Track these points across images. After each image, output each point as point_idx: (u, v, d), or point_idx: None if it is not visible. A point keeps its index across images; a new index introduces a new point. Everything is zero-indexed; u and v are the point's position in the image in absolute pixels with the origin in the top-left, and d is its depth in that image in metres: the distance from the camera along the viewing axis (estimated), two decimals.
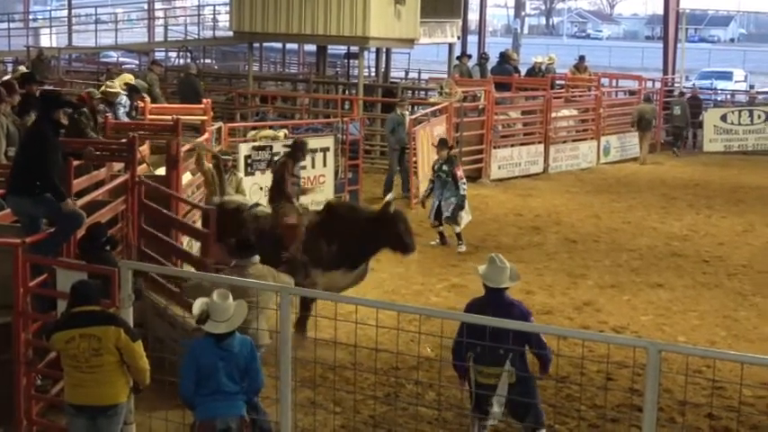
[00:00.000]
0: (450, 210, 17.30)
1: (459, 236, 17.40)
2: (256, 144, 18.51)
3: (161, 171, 14.66)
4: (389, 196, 13.51)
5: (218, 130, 17.95)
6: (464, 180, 17.61)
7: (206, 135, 16.75)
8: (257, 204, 13.74)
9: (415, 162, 20.73)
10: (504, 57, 30.84)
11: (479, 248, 17.39)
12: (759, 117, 30.77)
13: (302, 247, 12.61)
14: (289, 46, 37.78)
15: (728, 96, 37.43)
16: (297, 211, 13.08)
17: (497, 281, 8.65)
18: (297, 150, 14.24)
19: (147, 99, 19.07)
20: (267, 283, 9.49)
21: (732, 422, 10.26)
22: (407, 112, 21.91)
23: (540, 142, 25.77)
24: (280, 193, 13.36)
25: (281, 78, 33.59)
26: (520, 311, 8.60)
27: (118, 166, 13.29)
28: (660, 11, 39.72)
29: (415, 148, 20.68)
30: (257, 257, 9.96)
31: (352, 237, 12.51)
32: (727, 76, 46.79)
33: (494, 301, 8.60)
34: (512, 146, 25.24)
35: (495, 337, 8.11)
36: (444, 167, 17.48)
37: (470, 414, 8.85)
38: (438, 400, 10.43)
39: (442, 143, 18.12)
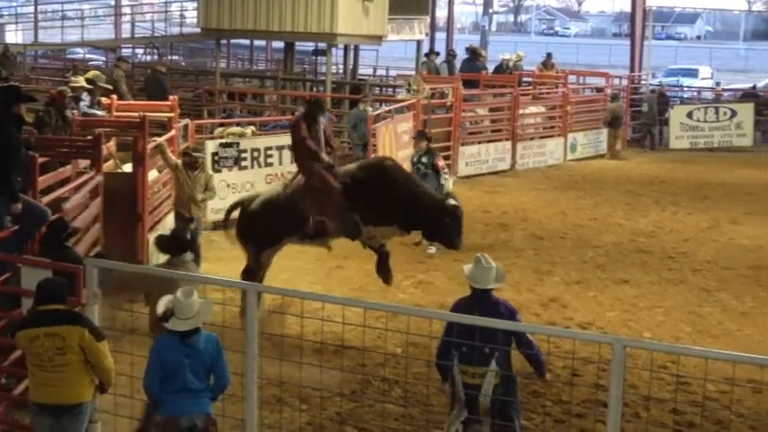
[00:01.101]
0: None
1: None
2: (223, 141, 18.46)
3: (128, 168, 14.66)
4: (449, 183, 13.46)
5: (185, 127, 17.89)
6: (446, 170, 17.38)
7: (172, 132, 16.72)
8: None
9: None
10: (473, 53, 30.87)
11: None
12: (725, 114, 31.00)
13: (350, 204, 12.73)
14: (256, 43, 37.70)
15: (695, 93, 37.66)
16: (328, 166, 12.95)
17: (483, 281, 8.53)
18: (312, 110, 13.46)
19: (114, 96, 19.01)
20: (236, 280, 9.48)
21: (696, 417, 10.33)
22: (370, 109, 21.93)
23: (507, 139, 25.84)
24: (304, 155, 13.08)
25: (249, 75, 33.50)
26: (507, 310, 8.52)
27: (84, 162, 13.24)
28: (627, 8, 39.95)
29: (375, 145, 20.67)
30: (190, 255, 9.91)
31: (405, 208, 12.71)
32: (693, 73, 47.06)
33: (480, 301, 8.51)
34: (479, 143, 25.30)
35: (482, 336, 8.09)
36: (424, 159, 17.22)
37: (451, 414, 8.74)
38: (405, 396, 10.45)
39: (421, 135, 17.91)
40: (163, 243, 10.20)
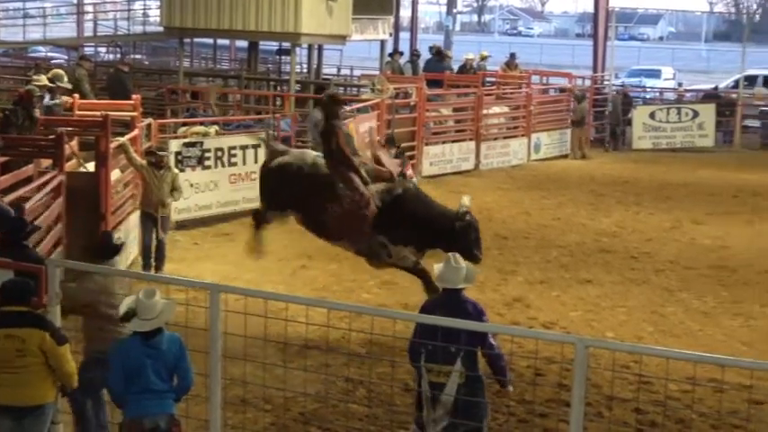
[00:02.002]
0: None
1: None
2: (187, 140, 18.39)
3: (91, 167, 14.58)
4: (466, 199, 13.09)
5: (148, 126, 17.82)
6: (414, 179, 17.03)
7: (135, 132, 16.64)
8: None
9: None
10: (437, 53, 30.96)
11: None
12: (687, 115, 31.21)
13: (377, 224, 12.67)
14: (220, 42, 37.58)
15: (657, 94, 37.90)
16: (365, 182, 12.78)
17: (453, 281, 8.52)
18: (333, 108, 13.12)
19: (76, 95, 18.90)
20: (198, 281, 9.44)
21: (658, 416, 10.39)
22: None
23: (471, 139, 25.90)
24: (343, 165, 12.68)
25: (213, 74, 33.39)
26: (475, 310, 8.51)
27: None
28: (590, 9, 40.19)
29: None
30: (117, 258, 9.62)
31: (422, 226, 12.72)
32: (655, 73, 47.36)
33: (448, 301, 8.51)
34: (443, 143, 25.33)
35: (447, 335, 8.09)
36: None
37: (416, 413, 8.72)
38: (369, 396, 10.45)
39: (390, 141, 17.61)
40: (92, 248, 9.71)
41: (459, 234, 12.51)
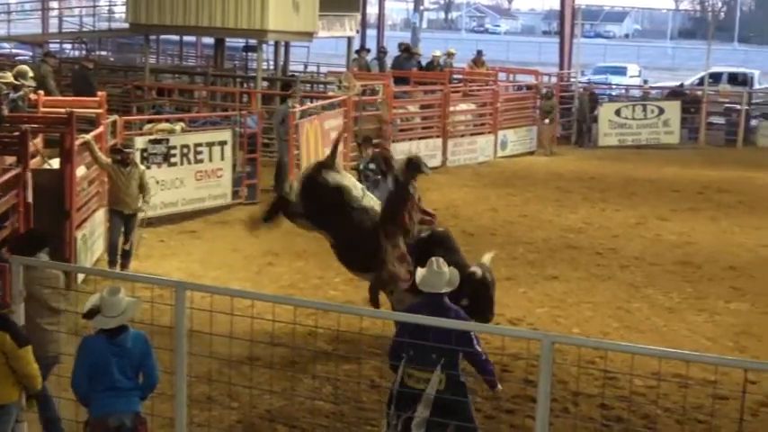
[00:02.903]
0: None
1: None
2: (153, 137, 18.31)
3: (56, 164, 14.48)
4: (487, 258, 12.24)
5: (114, 123, 17.72)
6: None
7: (100, 129, 16.55)
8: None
9: (298, 155, 20.72)
10: (406, 50, 30.99)
11: None
12: (652, 112, 31.36)
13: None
14: (186, 38, 37.42)
15: (623, 91, 38.06)
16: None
17: (436, 285, 8.47)
18: (413, 171, 12.47)
19: (41, 92, 18.77)
20: (164, 278, 9.40)
21: (624, 411, 10.44)
22: (298, 105, 21.91)
23: (438, 136, 25.94)
24: (395, 223, 11.95)
25: (179, 71, 33.24)
26: (457, 316, 8.44)
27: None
28: (557, 6, 40.23)
29: (297, 141, 20.66)
30: (46, 250, 9.44)
31: None
32: (621, 71, 47.53)
33: (431, 305, 8.39)
34: (410, 140, 25.34)
35: (427, 340, 8.01)
36: (372, 166, 16.47)
37: (387, 415, 8.63)
38: (335, 393, 10.45)
39: (367, 140, 17.31)
40: (17, 242, 9.50)
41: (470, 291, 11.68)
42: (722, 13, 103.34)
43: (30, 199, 12.18)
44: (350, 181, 12.77)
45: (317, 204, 12.30)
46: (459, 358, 8.41)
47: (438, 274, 8.51)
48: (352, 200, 12.29)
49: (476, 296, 11.31)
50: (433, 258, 8.68)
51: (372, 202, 12.47)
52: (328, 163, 12.69)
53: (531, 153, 28.88)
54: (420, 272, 8.65)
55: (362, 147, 17.15)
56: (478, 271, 11.53)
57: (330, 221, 12.31)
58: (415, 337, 8.07)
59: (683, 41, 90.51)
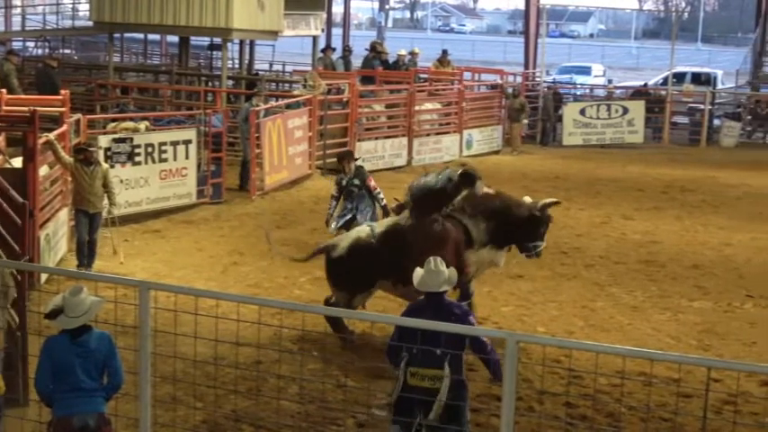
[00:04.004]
0: (369, 219, 16.00)
1: None
2: (116, 136, 18.22)
3: (18, 163, 14.37)
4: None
5: (77, 122, 17.61)
6: (379, 190, 16.28)
7: (64, 127, 16.45)
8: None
9: (260, 154, 20.71)
10: (373, 49, 31.02)
11: None
12: (616, 111, 31.51)
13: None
14: (151, 36, 37.26)
15: (587, 91, 38.22)
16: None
17: (435, 285, 8.46)
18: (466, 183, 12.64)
19: (3, 90, 18.63)
20: (127, 278, 9.35)
21: (588, 410, 10.49)
22: (262, 103, 21.90)
23: (403, 135, 25.96)
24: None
25: (143, 69, 33.10)
26: (460, 310, 8.50)
27: None
28: (522, 6, 40.39)
29: (258, 140, 20.66)
30: None
31: (505, 220, 12.63)
32: (586, 70, 47.78)
33: (432, 304, 8.41)
34: (376, 139, 25.36)
35: (432, 338, 7.96)
36: (355, 181, 16.14)
37: (393, 418, 8.50)
38: (301, 393, 10.43)
39: (348, 155, 16.74)
40: None
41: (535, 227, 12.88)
42: (686, 14, 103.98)
43: None
44: (351, 236, 12.89)
45: (353, 273, 12.44)
46: (464, 355, 8.37)
47: (436, 274, 8.50)
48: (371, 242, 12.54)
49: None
50: (431, 258, 8.65)
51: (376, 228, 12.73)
52: (327, 248, 12.93)
53: (497, 152, 28.96)
54: (418, 272, 8.62)
55: (344, 162, 16.42)
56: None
57: (376, 272, 12.47)
58: (415, 336, 8.00)
59: (647, 41, 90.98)
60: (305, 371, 10.29)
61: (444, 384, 8.20)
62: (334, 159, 23.48)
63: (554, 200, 13.58)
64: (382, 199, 16.06)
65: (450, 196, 12.38)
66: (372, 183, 16.26)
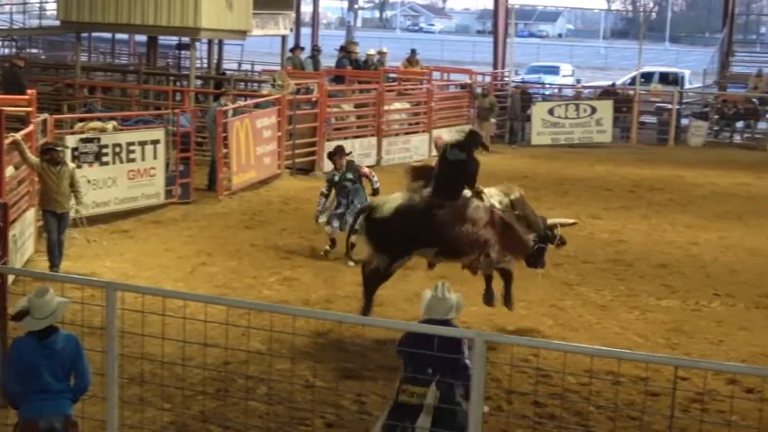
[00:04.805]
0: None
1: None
2: (84, 136, 18.12)
3: None
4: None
5: (44, 121, 17.50)
6: (374, 173, 16.66)
7: (30, 127, 16.34)
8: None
9: (227, 153, 20.67)
10: (343, 48, 31.01)
11: (312, 241, 17.43)
12: (585, 111, 31.61)
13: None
14: (118, 36, 37.08)
15: (556, 90, 38.33)
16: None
17: (441, 312, 8.44)
18: (474, 142, 12.85)
19: None
20: (94, 279, 9.30)
21: (557, 409, 10.51)
22: (230, 103, 21.87)
23: (372, 135, 25.96)
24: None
25: (111, 69, 32.94)
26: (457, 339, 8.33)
27: None
28: (491, 5, 40.46)
29: (226, 139, 20.61)
30: None
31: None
32: (554, 70, 47.90)
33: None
34: (345, 138, 25.32)
35: (424, 357, 7.97)
36: (349, 175, 16.41)
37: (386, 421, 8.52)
38: (269, 394, 10.41)
39: (340, 151, 16.82)
40: None
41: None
42: (654, 14, 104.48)
43: None
44: (399, 198, 12.89)
45: (394, 237, 12.64)
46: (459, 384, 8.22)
47: (443, 301, 8.50)
48: (415, 208, 12.60)
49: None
50: (439, 283, 8.67)
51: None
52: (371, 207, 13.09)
53: None
54: (425, 297, 8.59)
55: (336, 158, 16.62)
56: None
57: (416, 240, 12.64)
58: (413, 354, 8.04)
59: (615, 41, 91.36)
60: (273, 371, 10.24)
61: (430, 393, 8.16)
62: (304, 159, 23.75)
63: (571, 220, 13.88)
64: (377, 182, 16.18)
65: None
66: (366, 170, 16.44)
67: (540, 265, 13.65)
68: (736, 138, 33.83)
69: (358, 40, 38.48)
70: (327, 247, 16.51)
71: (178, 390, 9.69)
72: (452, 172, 12.46)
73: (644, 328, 13.72)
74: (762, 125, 33.37)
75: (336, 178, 16.48)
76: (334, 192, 16.71)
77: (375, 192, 16.35)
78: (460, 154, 12.41)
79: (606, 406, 10.58)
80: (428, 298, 8.55)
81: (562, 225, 13.55)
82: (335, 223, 16.47)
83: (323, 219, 16.69)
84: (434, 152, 27.54)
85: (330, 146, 24.13)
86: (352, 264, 15.46)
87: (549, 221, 13.55)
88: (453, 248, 12.57)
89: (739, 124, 34.08)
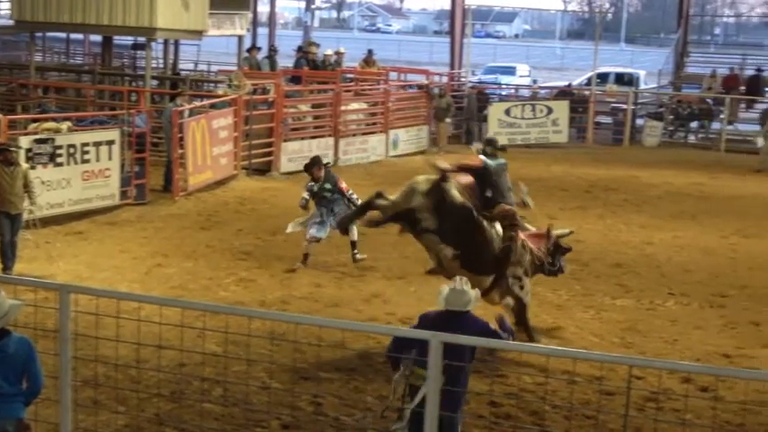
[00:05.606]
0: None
1: (353, 244, 16.37)
2: (38, 137, 17.97)
3: None
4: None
5: None
6: (351, 191, 16.37)
7: None
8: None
9: (183, 154, 20.59)
10: (300, 49, 31.00)
11: (269, 242, 17.39)
12: (541, 111, 31.72)
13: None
14: (73, 36, 36.80)
15: (513, 91, 38.45)
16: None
17: (460, 304, 8.71)
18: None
19: None
20: (47, 281, 9.22)
21: (513, 408, 10.54)
22: (186, 104, 21.77)
23: (329, 135, 25.93)
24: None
25: (65, 69, 32.70)
26: (479, 327, 8.72)
27: None
28: (448, 6, 40.49)
29: (182, 140, 20.53)
30: None
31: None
32: (511, 71, 48.01)
33: (454, 321, 8.62)
34: (302, 139, 25.29)
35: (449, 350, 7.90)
36: (327, 185, 16.20)
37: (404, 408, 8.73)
38: (225, 395, 10.37)
39: (317, 162, 16.49)
40: None
41: None
42: (609, 14, 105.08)
43: None
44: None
45: (452, 221, 12.53)
46: (467, 371, 8.56)
47: (461, 294, 8.76)
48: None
49: None
50: (458, 277, 8.95)
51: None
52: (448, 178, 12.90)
53: (423, 152, 29.01)
54: (443, 291, 8.84)
55: (313, 170, 16.30)
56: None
57: (463, 236, 12.54)
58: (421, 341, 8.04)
59: (571, 42, 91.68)
60: (229, 373, 10.21)
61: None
62: (261, 160, 23.68)
63: (567, 230, 14.07)
64: (357, 199, 16.05)
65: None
66: (344, 185, 16.28)
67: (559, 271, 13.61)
68: (691, 138, 34.09)
69: (315, 40, 38.43)
70: (300, 264, 16.05)
71: (133, 392, 9.64)
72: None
73: (599, 327, 13.79)
74: (716, 125, 33.61)
75: (316, 188, 16.28)
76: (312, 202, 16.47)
77: (348, 200, 16.25)
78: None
79: (562, 405, 10.63)
80: (446, 291, 8.81)
81: (563, 236, 13.67)
82: (312, 229, 16.22)
83: (290, 228, 16.46)
84: (392, 152, 27.71)
85: (287, 146, 24.25)
86: (361, 257, 16.18)
87: (554, 233, 13.57)
88: (477, 257, 12.58)
89: (694, 124, 34.33)
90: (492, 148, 13.50)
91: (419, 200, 12.60)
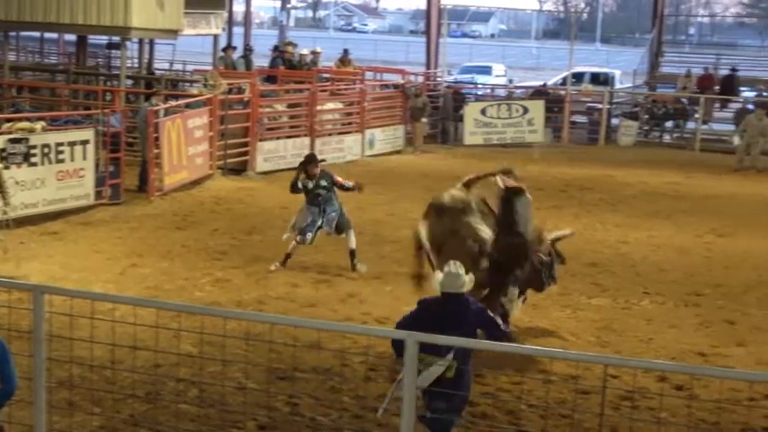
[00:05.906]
0: (333, 224, 16.11)
1: (353, 253, 16.25)
2: (12, 136, 17.87)
3: None
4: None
5: None
6: (344, 181, 16.43)
7: None
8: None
9: (159, 154, 20.53)
10: (276, 48, 30.99)
11: (245, 242, 17.35)
12: (517, 111, 31.77)
13: None
14: (47, 35, 36.63)
15: (488, 90, 38.51)
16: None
17: (455, 286, 8.88)
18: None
19: None
20: (20, 282, 9.17)
21: (489, 408, 10.56)
22: (162, 103, 21.71)
23: (305, 135, 25.89)
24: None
25: (39, 68, 32.54)
26: (478, 305, 9.18)
27: None
28: (424, 6, 40.58)
29: (157, 140, 20.46)
30: None
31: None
32: (487, 70, 48.09)
33: (450, 303, 8.87)
34: (278, 138, 25.26)
35: (442, 328, 8.20)
36: (323, 183, 16.06)
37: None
38: (200, 396, 10.33)
39: (312, 160, 16.39)
40: None
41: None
42: (585, 14, 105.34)
43: None
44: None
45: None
46: (471, 352, 8.79)
47: (456, 277, 8.91)
48: None
49: None
50: (451, 261, 9.08)
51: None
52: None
53: (399, 152, 29.02)
54: (438, 276, 9.05)
55: (308, 168, 16.17)
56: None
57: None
58: (434, 327, 8.23)
59: (547, 42, 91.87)
60: (204, 374, 10.17)
61: (441, 363, 8.60)
62: (236, 159, 23.64)
63: (568, 231, 14.16)
64: (351, 185, 16.14)
65: None
66: (339, 178, 16.28)
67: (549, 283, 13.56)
68: (666, 137, 34.26)
69: (291, 39, 38.40)
70: (278, 264, 15.90)
71: (108, 393, 9.59)
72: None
73: (575, 326, 13.82)
74: (691, 125, 33.78)
75: (310, 186, 16.17)
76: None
77: (352, 189, 16.45)
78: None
79: (538, 404, 10.64)
80: (441, 276, 8.98)
81: (561, 238, 13.66)
82: (308, 236, 16.12)
83: (288, 234, 16.36)
84: (368, 151, 27.71)
85: (263, 146, 24.20)
86: (362, 267, 16.03)
87: (551, 236, 13.54)
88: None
89: (669, 124, 34.51)
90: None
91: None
